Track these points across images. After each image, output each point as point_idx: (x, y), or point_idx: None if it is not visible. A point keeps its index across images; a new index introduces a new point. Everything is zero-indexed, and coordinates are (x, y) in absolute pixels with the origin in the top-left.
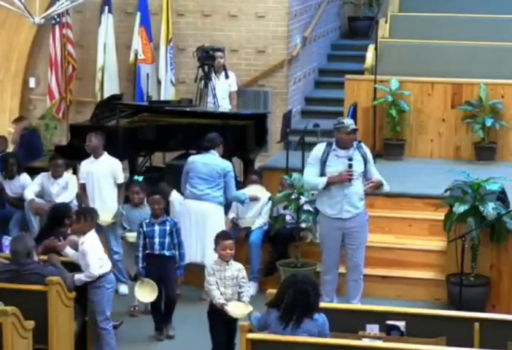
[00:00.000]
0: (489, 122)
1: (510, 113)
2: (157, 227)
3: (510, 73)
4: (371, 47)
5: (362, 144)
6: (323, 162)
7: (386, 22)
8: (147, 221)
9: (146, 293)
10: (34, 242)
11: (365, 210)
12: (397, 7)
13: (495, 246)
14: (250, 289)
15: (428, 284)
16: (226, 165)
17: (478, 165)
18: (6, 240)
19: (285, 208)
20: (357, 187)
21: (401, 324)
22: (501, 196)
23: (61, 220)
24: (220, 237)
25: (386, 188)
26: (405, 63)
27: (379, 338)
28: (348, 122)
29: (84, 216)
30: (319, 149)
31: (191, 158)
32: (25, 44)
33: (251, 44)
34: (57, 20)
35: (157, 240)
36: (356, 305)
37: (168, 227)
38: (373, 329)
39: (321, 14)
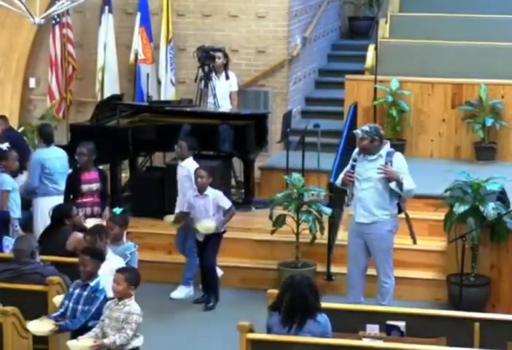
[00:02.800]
0: (489, 122)
1: (510, 113)
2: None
3: (511, 73)
4: (371, 47)
5: (395, 154)
6: (353, 161)
7: (386, 22)
8: (78, 281)
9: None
10: (37, 243)
11: (390, 220)
12: (397, 7)
13: (495, 246)
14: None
15: (428, 284)
16: None
17: (478, 165)
18: (7, 241)
19: (285, 208)
20: (374, 193)
21: (401, 324)
22: (501, 196)
23: (63, 220)
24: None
25: (407, 190)
26: (406, 63)
27: (379, 338)
28: (357, 130)
29: (103, 233)
30: (356, 150)
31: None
32: (25, 44)
33: (252, 44)
34: (58, 20)
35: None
36: (356, 305)
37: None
38: (373, 329)
39: (321, 15)
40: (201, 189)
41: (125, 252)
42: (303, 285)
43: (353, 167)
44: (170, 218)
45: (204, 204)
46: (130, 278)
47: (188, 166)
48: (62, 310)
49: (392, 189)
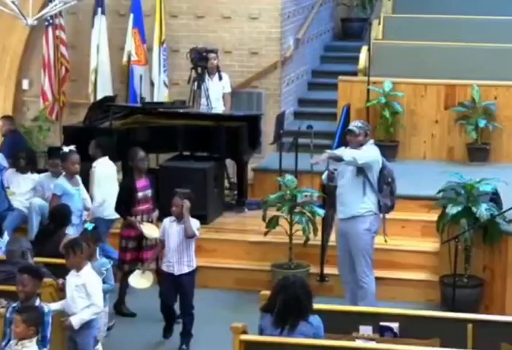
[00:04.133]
0: (481, 124)
1: (503, 114)
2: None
3: (503, 74)
4: (364, 49)
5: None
6: None
7: (379, 23)
8: (14, 305)
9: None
10: (30, 244)
11: (368, 218)
12: (390, 9)
13: (488, 247)
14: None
15: (421, 286)
16: None
17: (471, 167)
18: (1, 242)
19: (278, 209)
20: (348, 188)
21: (394, 325)
22: (494, 197)
23: (62, 221)
24: None
25: (349, 159)
26: (399, 64)
27: (372, 339)
28: (353, 125)
29: (72, 249)
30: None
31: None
32: (18, 46)
33: (245, 46)
34: (51, 21)
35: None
36: (349, 307)
37: None
38: (366, 330)
39: (314, 16)
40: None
41: (100, 269)
42: (297, 286)
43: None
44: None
45: (179, 230)
46: (29, 319)
47: (99, 166)
48: (5, 341)
49: (364, 183)
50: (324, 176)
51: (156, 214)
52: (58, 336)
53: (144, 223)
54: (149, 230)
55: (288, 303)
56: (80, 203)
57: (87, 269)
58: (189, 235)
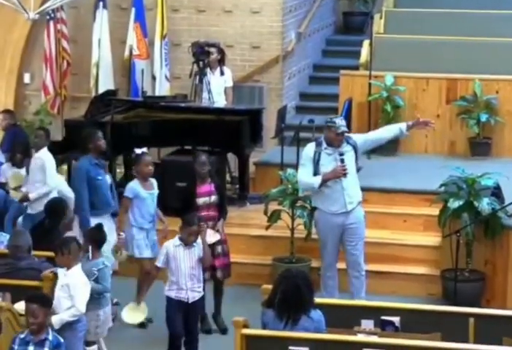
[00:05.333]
0: (483, 118)
1: (505, 108)
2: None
3: (505, 68)
4: (366, 43)
5: (351, 135)
6: (316, 162)
7: (381, 17)
8: (22, 336)
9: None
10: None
11: (361, 206)
12: (391, 3)
13: (490, 241)
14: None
15: (423, 280)
16: None
17: (472, 161)
18: (1, 236)
19: (279, 203)
20: (352, 176)
21: (396, 319)
22: (496, 191)
23: (60, 216)
24: None
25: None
26: (400, 58)
27: (374, 334)
28: (339, 122)
29: (61, 249)
30: (310, 149)
31: None
32: (19, 40)
33: (246, 40)
34: (52, 15)
35: None
36: (350, 301)
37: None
38: (367, 324)
39: (316, 10)
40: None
41: (91, 269)
42: (298, 278)
43: (342, 160)
44: None
45: (190, 256)
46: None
47: (43, 156)
48: None
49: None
50: (316, 184)
51: (221, 223)
52: None
53: (208, 231)
54: (208, 237)
55: (288, 293)
56: (152, 207)
57: (75, 270)
58: (207, 265)
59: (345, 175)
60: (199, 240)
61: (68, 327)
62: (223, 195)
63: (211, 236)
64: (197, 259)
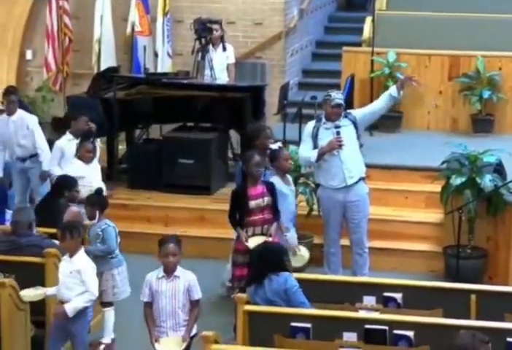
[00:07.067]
0: (486, 94)
1: (508, 85)
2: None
3: (508, 45)
4: (368, 19)
5: (351, 111)
6: (314, 137)
7: None
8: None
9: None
10: (34, 215)
11: (365, 182)
12: None
13: (492, 218)
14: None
15: (425, 256)
16: None
17: (475, 138)
18: (8, 214)
19: None
20: (353, 151)
21: (398, 295)
22: (498, 168)
23: (62, 191)
24: None
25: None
26: (403, 35)
27: (376, 310)
28: (335, 95)
29: (69, 232)
30: (310, 125)
31: None
32: (21, 16)
33: (248, 16)
34: None
35: None
36: (353, 277)
37: None
38: (369, 301)
39: None
40: (169, 270)
41: (96, 231)
42: (262, 249)
43: (338, 133)
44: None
45: (173, 289)
46: None
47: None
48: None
49: (360, 146)
50: (313, 158)
51: (274, 227)
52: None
53: (255, 237)
54: (250, 242)
55: (254, 260)
56: (293, 204)
57: (81, 254)
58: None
59: (340, 147)
60: (185, 271)
61: (80, 313)
62: (275, 196)
63: (253, 242)
64: (182, 293)
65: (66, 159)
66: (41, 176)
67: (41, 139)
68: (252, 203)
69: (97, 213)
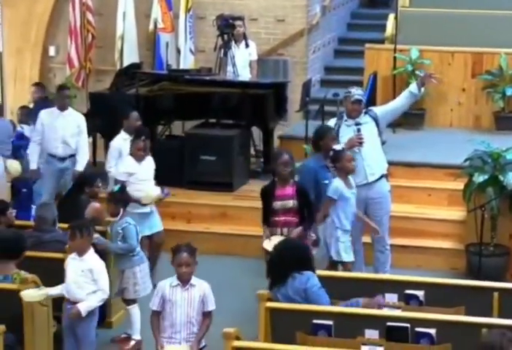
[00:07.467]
0: (509, 92)
1: None
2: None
3: None
4: (391, 16)
5: (372, 108)
6: (336, 134)
7: None
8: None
9: None
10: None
11: (386, 179)
12: None
13: None
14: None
15: (447, 254)
16: None
17: (497, 135)
18: (33, 210)
19: None
20: (374, 148)
21: (420, 293)
22: None
23: (82, 187)
24: None
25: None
26: (426, 32)
27: (398, 307)
28: (355, 91)
29: (79, 231)
30: (331, 122)
31: None
32: (44, 13)
33: (271, 13)
34: None
35: None
36: (375, 275)
37: None
38: (392, 298)
39: None
40: (184, 280)
41: (117, 229)
42: (283, 248)
43: (359, 130)
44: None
45: (189, 298)
46: None
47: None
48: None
49: (382, 143)
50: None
51: (297, 231)
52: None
53: (273, 237)
54: (266, 243)
55: (272, 259)
56: (354, 207)
57: (92, 253)
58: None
59: (361, 144)
60: (199, 281)
61: (90, 313)
62: (309, 200)
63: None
64: (198, 302)
65: (124, 158)
66: (75, 176)
67: (86, 140)
68: (278, 204)
69: (121, 210)
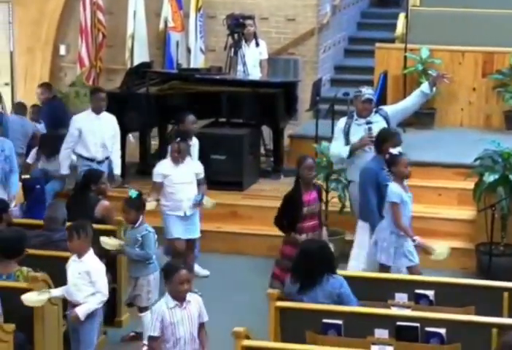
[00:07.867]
0: None
1: None
2: None
3: None
4: (402, 16)
5: (382, 107)
6: (346, 134)
7: None
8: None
9: None
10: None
11: None
12: None
13: None
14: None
15: (457, 254)
16: None
17: (508, 134)
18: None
19: None
20: None
21: (430, 293)
22: None
23: (88, 185)
24: None
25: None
26: (436, 31)
27: (408, 307)
28: (365, 91)
29: (76, 232)
30: (342, 121)
31: None
32: (55, 12)
33: (281, 12)
34: None
35: None
36: (385, 274)
37: None
38: (402, 298)
39: None
40: (182, 298)
41: (136, 236)
42: (312, 243)
43: (370, 129)
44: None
45: (189, 316)
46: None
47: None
48: None
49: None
50: (346, 153)
51: (325, 232)
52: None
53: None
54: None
55: (300, 258)
56: (410, 211)
57: (90, 255)
58: None
59: (372, 143)
60: (190, 294)
61: (90, 314)
62: (321, 200)
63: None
64: (197, 317)
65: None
66: (111, 179)
67: (119, 142)
68: (305, 209)
69: (141, 217)
